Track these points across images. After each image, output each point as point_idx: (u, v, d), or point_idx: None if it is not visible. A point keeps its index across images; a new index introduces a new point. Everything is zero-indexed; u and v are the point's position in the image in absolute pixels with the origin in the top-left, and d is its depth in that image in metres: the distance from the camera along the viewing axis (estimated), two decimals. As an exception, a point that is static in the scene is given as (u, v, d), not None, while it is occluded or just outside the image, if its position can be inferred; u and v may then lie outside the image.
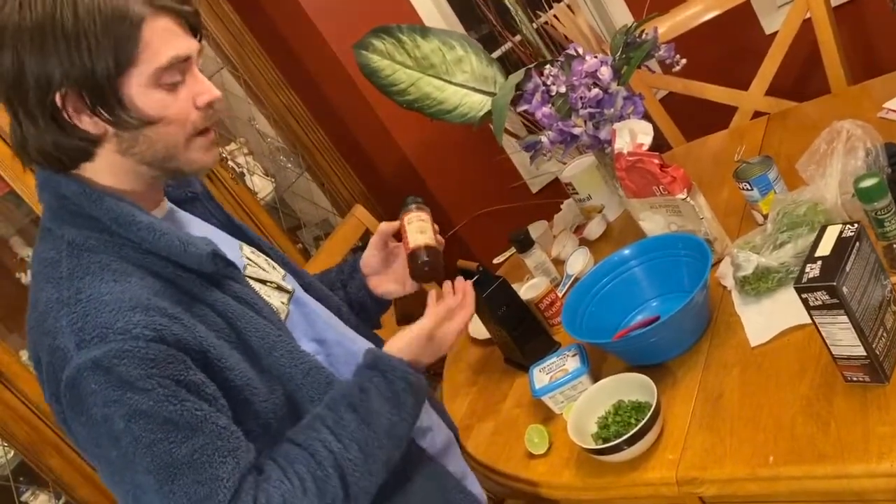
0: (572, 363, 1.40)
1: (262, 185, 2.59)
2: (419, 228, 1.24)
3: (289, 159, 2.74)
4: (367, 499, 0.97)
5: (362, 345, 1.15)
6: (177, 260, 0.92)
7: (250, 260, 1.09)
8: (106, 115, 0.88)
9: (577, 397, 1.34)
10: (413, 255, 1.21)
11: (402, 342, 1.08)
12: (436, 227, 1.27)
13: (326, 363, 1.05)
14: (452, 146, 2.85)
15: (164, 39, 0.88)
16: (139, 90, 0.88)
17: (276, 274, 1.11)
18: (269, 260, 1.14)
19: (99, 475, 0.92)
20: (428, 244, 1.22)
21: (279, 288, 1.08)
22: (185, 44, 0.90)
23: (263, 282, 1.06)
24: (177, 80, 0.90)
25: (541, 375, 1.43)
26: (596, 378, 1.35)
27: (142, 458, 0.84)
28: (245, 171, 2.57)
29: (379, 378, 1.01)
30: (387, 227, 1.29)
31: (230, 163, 2.51)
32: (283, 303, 1.07)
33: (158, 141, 0.91)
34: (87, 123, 0.89)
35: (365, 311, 1.33)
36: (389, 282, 1.33)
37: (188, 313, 0.90)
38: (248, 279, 1.02)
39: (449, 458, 1.19)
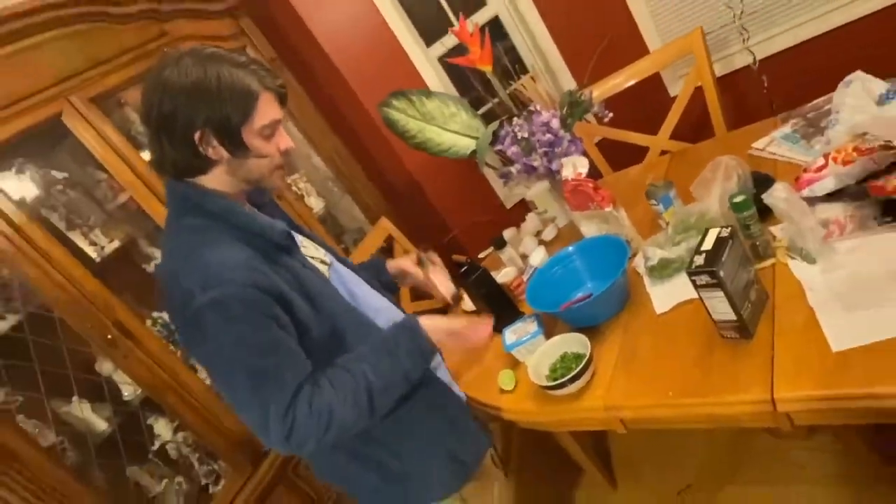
0: (532, 326, 1.41)
1: (316, 203, 2.59)
2: (444, 278, 1.39)
3: (335, 185, 2.73)
4: (385, 410, 1.04)
5: (382, 302, 1.23)
6: (263, 234, 1.02)
7: (305, 246, 1.17)
8: (229, 147, 1.00)
9: (535, 350, 1.35)
10: (454, 298, 1.37)
11: (433, 322, 1.12)
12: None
13: (356, 306, 1.13)
14: (449, 174, 2.85)
15: (270, 107, 1.01)
16: (250, 136, 1.00)
17: (320, 253, 1.20)
18: (316, 245, 1.22)
19: (213, 381, 0.98)
20: (453, 288, 1.38)
21: (322, 261, 1.17)
22: (278, 111, 1.03)
23: (312, 257, 1.15)
24: (271, 134, 1.02)
25: (510, 335, 1.44)
26: (549, 336, 1.35)
27: (241, 367, 0.93)
28: (304, 193, 2.57)
29: (408, 337, 1.07)
30: (411, 268, 1.41)
31: (293, 187, 2.50)
32: (325, 271, 1.15)
33: (255, 169, 1.03)
34: (212, 153, 1.00)
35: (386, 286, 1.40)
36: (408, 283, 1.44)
37: (272, 271, 0.99)
38: (304, 254, 1.12)
39: (440, 371, 1.24)
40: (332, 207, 2.70)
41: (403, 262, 1.45)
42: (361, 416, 1.01)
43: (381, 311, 1.19)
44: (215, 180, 1.03)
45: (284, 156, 1.05)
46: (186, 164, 1.00)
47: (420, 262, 1.42)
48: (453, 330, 1.14)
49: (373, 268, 1.42)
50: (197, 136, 0.97)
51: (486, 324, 1.18)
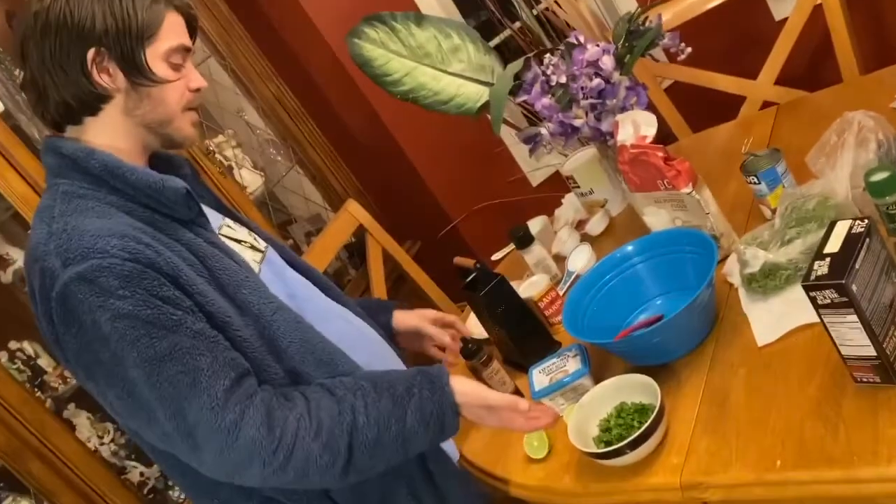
0: (573, 364, 1.41)
1: (250, 179, 2.60)
2: (501, 379, 1.51)
3: (279, 152, 2.74)
4: (358, 477, 1.09)
5: (337, 309, 1.29)
6: (155, 196, 1.09)
7: (229, 227, 1.24)
8: (127, 70, 1.09)
9: (578, 399, 1.35)
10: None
11: (469, 387, 1.17)
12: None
13: (297, 310, 1.18)
14: (449, 138, 2.85)
15: (177, 30, 1.13)
16: (153, 59, 1.11)
17: (250, 237, 1.26)
18: (251, 232, 1.29)
19: (95, 389, 1.04)
20: (512, 391, 1.50)
21: (252, 248, 1.23)
22: (187, 39, 1.15)
23: (237, 241, 1.22)
24: (178, 63, 1.14)
25: (540, 377, 1.44)
26: (598, 379, 1.35)
27: (129, 354, 0.99)
28: (233, 164, 2.57)
29: (428, 392, 1.12)
30: (433, 330, 1.54)
31: (218, 156, 2.51)
32: (255, 260, 1.21)
33: (159, 105, 1.12)
34: (107, 80, 1.10)
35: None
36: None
37: (163, 246, 1.05)
38: (221, 236, 1.18)
39: None
40: (275, 186, 2.72)
41: (423, 320, 1.52)
42: (329, 467, 1.05)
43: (333, 317, 1.25)
44: (106, 128, 1.12)
45: (195, 96, 1.15)
46: (74, 98, 1.09)
47: (469, 353, 1.49)
48: (497, 405, 1.17)
49: (371, 306, 1.49)
50: (90, 55, 1.08)
51: (549, 413, 1.22)
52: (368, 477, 1.11)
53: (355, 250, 2.89)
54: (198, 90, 1.16)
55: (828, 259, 1.00)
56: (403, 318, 1.52)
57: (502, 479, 1.36)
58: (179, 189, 1.11)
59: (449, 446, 1.37)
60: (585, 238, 1.92)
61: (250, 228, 1.31)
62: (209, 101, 2.68)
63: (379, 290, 2.21)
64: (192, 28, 1.17)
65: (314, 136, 2.74)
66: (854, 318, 0.98)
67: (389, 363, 1.35)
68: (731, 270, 1.40)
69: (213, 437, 1.00)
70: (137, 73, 1.10)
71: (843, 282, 0.95)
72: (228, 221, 1.27)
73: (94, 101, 1.11)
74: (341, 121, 2.88)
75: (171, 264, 1.04)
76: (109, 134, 1.12)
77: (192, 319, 1.02)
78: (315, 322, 1.19)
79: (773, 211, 1.42)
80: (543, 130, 1.73)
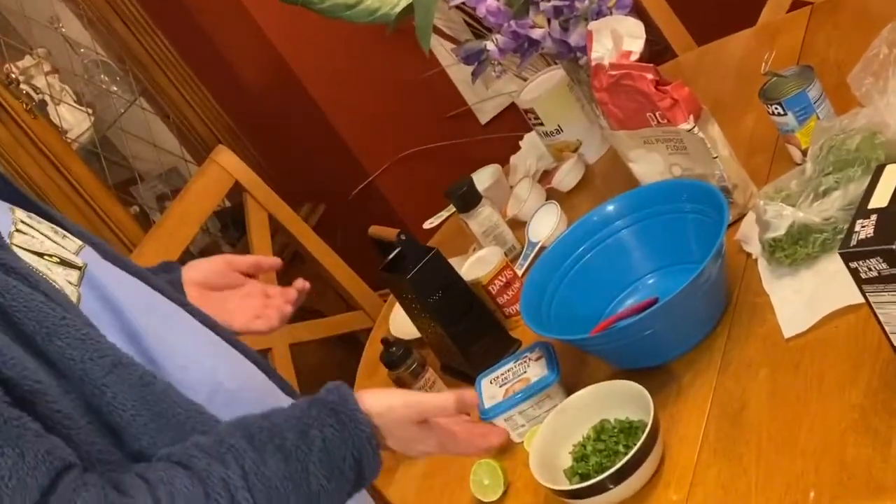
0: (536, 370, 1.42)
1: (73, 120, 2.55)
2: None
3: (114, 80, 2.69)
4: None
5: (183, 316, 1.21)
6: None
7: (24, 224, 1.11)
8: None
9: (541, 417, 1.37)
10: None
11: (385, 399, 1.12)
12: None
13: (144, 360, 1.08)
14: (360, 58, 2.83)
15: None
16: None
17: (63, 247, 1.14)
18: (58, 229, 1.16)
19: None
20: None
21: (64, 263, 1.11)
22: None
23: (40, 254, 1.09)
24: None
25: (492, 388, 1.45)
26: (570, 389, 1.37)
27: None
28: (46, 98, 2.52)
29: (333, 430, 1.06)
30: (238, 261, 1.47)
31: (23, 86, 2.45)
32: (70, 282, 1.09)
33: None
34: None
35: None
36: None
37: None
38: (15, 247, 1.06)
39: None
40: (110, 129, 2.67)
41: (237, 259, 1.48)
42: None
43: (182, 329, 1.18)
44: None
45: None
46: None
47: (393, 360, 1.56)
48: (431, 411, 1.13)
49: (162, 272, 1.42)
50: None
51: (499, 430, 1.22)
52: None
53: (231, 219, 2.86)
54: None
55: (874, 216, 1.02)
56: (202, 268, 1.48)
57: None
58: None
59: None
60: (552, 195, 1.93)
61: (54, 222, 1.19)
62: (6, 7, 2.61)
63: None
64: None
65: (166, 56, 2.69)
66: (910, 295, 1.01)
67: (256, 375, 1.31)
68: (749, 235, 1.43)
69: None
70: None
71: (894, 247, 0.98)
72: (21, 214, 1.15)
73: None
74: (206, 34, 2.83)
75: None
76: None
77: None
78: (173, 369, 1.12)
79: (805, 152, 1.45)
80: (490, 45, 1.74)
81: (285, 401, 1.25)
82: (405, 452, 1.16)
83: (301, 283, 1.52)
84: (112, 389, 1.02)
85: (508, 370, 1.47)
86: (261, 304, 1.47)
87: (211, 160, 2.21)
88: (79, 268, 1.12)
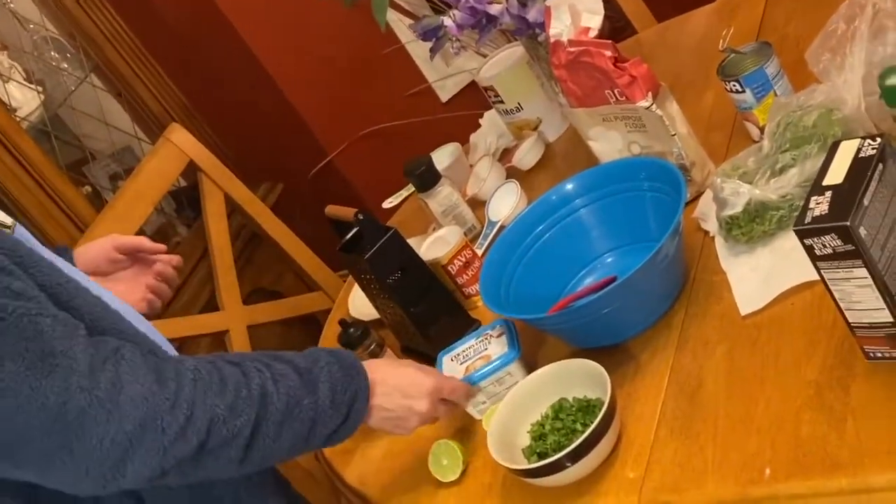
0: (496, 347, 1.43)
1: (23, 98, 2.53)
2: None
3: (65, 56, 2.66)
4: (244, 469, 1.18)
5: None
6: None
7: None
8: None
9: (501, 395, 1.38)
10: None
11: (382, 365, 1.32)
12: None
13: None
14: (318, 35, 2.82)
15: None
16: None
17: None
18: None
19: None
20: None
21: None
22: None
23: None
24: None
25: (452, 365, 1.46)
26: (530, 368, 1.38)
27: None
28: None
29: (338, 370, 1.23)
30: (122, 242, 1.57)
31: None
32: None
33: None
34: None
35: None
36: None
37: None
38: None
39: None
40: (61, 107, 2.64)
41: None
42: (230, 440, 1.13)
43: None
44: None
45: None
46: None
47: (351, 340, 1.61)
48: (424, 383, 1.32)
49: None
50: None
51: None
52: (272, 461, 1.24)
53: (186, 199, 2.84)
54: None
55: (828, 193, 1.03)
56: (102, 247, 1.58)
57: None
58: None
59: None
60: (513, 174, 1.94)
61: None
62: None
63: (222, 256, 2.19)
64: None
65: (117, 32, 2.66)
66: (863, 271, 1.02)
67: None
68: (706, 213, 1.44)
69: (88, 412, 1.04)
70: None
71: (848, 223, 0.99)
72: None
73: None
74: (158, 9, 2.80)
75: None
76: None
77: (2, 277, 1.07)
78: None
79: (762, 129, 1.46)
80: (448, 21, 1.73)
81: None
82: (379, 423, 1.29)
83: (176, 260, 1.63)
84: (79, 311, 1.14)
85: (469, 347, 1.48)
86: (147, 285, 1.58)
87: (165, 138, 2.19)
88: (9, 227, 1.23)
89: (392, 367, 1.33)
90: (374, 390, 1.26)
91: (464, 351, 1.48)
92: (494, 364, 1.41)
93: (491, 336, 1.47)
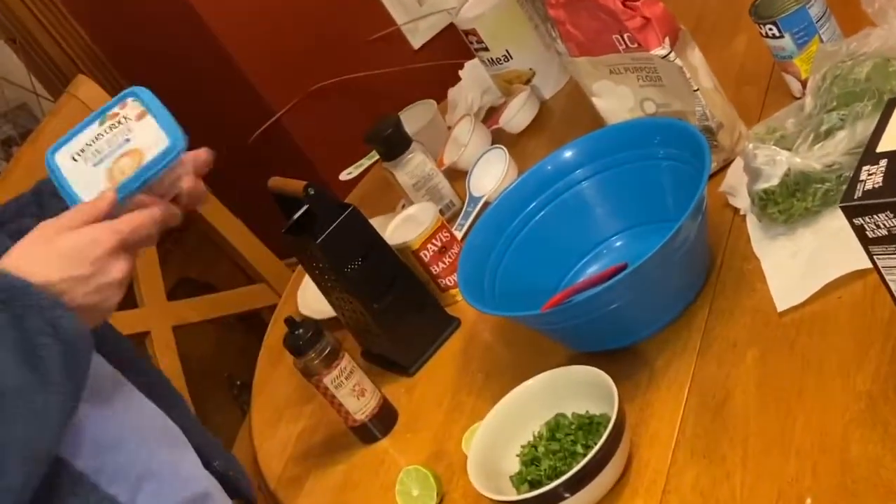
0: (144, 135, 1.26)
1: None
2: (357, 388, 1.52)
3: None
4: None
5: None
6: None
7: None
8: None
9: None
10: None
11: (23, 247, 1.22)
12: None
13: None
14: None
15: None
16: None
17: None
18: None
19: None
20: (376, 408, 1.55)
21: None
22: None
23: None
24: None
25: (78, 169, 1.28)
26: (517, 375, 1.38)
27: None
28: None
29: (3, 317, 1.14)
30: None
31: None
32: None
33: None
34: None
35: None
36: None
37: None
38: None
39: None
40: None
41: None
42: None
43: None
44: None
45: None
46: None
47: (299, 345, 1.53)
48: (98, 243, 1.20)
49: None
50: None
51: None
52: None
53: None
54: None
55: (883, 162, 1.04)
56: None
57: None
58: None
59: None
60: (499, 138, 1.94)
61: None
62: None
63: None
64: None
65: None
66: (925, 258, 1.03)
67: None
68: (736, 186, 1.45)
69: None
70: None
71: (907, 199, 1.00)
72: None
73: None
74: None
75: None
76: None
77: None
78: None
79: (804, 83, 1.47)
80: (419, -49, 1.73)
81: None
82: (87, 273, 1.20)
83: None
84: None
85: (96, 138, 1.28)
86: None
87: (69, 94, 2.19)
88: None
89: (41, 247, 1.21)
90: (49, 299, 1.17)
91: (88, 145, 1.28)
92: (158, 163, 1.24)
93: (127, 119, 1.28)
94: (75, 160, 1.27)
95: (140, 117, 1.26)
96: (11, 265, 1.18)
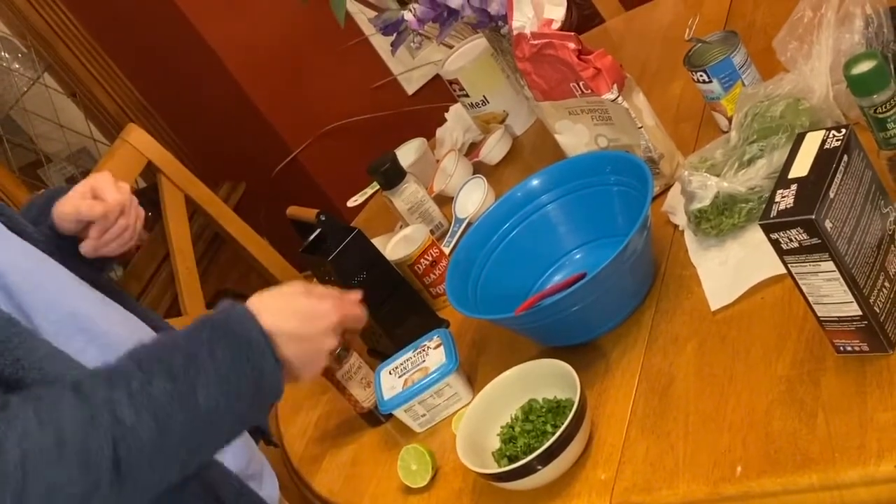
0: (434, 358, 1.45)
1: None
2: (364, 380, 1.54)
3: (16, 56, 2.65)
4: (146, 494, 1.09)
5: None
6: None
7: None
8: None
9: (447, 408, 1.40)
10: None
11: (271, 302, 1.20)
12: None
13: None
14: (278, 29, 2.82)
15: None
16: None
17: None
18: None
19: None
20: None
21: None
22: None
23: None
24: None
25: (391, 379, 1.48)
26: (500, 369, 1.39)
27: None
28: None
29: (223, 348, 1.12)
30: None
31: None
32: None
33: None
34: None
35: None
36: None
37: None
38: None
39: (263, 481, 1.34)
40: (14, 108, 2.63)
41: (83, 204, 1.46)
42: (89, 494, 1.03)
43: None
44: None
45: None
46: None
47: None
48: (326, 316, 1.23)
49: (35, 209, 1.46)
50: None
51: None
52: (165, 485, 1.11)
53: (146, 200, 2.83)
54: None
55: (794, 186, 1.04)
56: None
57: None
58: None
59: (269, 487, 1.41)
60: (480, 169, 1.95)
61: None
62: None
63: (184, 258, 2.18)
64: None
65: (70, 30, 2.65)
66: (830, 265, 1.03)
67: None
68: (675, 206, 1.46)
69: None
70: None
71: (813, 217, 1.00)
72: None
73: None
74: (111, 5, 2.78)
75: None
76: None
77: None
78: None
79: (730, 120, 1.47)
80: (408, 15, 1.74)
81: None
82: (310, 333, 1.22)
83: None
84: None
85: (407, 360, 1.49)
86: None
87: (121, 139, 2.19)
88: None
89: (283, 302, 1.23)
90: (276, 341, 1.17)
91: (401, 364, 1.50)
92: (433, 376, 1.43)
93: (428, 347, 1.48)
94: (390, 374, 1.49)
95: (436, 348, 1.47)
96: (254, 306, 1.18)
